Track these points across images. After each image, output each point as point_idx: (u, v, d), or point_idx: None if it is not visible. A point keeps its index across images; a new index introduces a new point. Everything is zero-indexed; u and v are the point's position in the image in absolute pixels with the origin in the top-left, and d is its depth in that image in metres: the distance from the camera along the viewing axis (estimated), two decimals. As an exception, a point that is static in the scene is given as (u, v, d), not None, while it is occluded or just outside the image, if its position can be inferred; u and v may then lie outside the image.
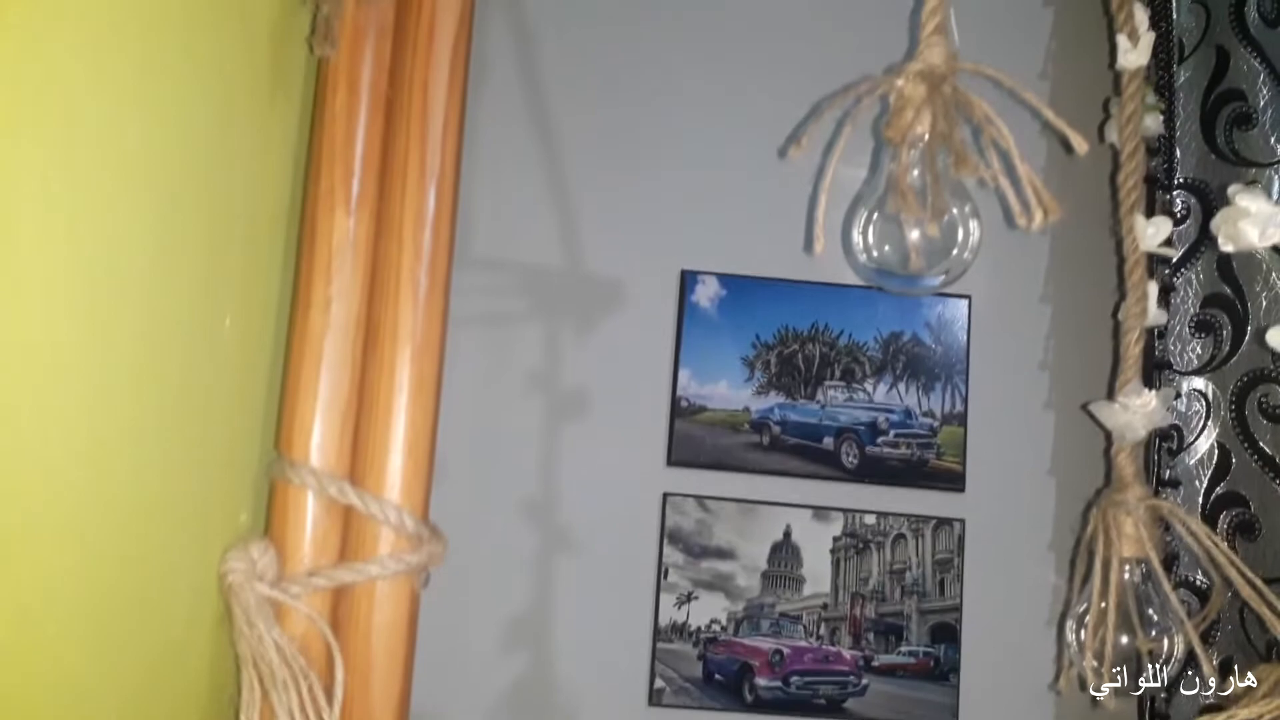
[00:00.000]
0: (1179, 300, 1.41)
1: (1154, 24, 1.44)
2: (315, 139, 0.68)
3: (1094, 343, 1.38)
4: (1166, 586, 0.68)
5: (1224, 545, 0.71)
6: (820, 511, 1.41)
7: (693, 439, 1.40)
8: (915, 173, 0.64)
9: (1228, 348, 1.39)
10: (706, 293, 1.46)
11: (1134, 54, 0.78)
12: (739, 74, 1.45)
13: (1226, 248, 0.60)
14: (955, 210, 0.65)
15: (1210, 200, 1.41)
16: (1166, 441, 1.36)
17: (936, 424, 1.44)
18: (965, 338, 1.45)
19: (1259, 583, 0.68)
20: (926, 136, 0.63)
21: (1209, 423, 1.40)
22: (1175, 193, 1.42)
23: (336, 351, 0.64)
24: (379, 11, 0.66)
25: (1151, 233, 0.74)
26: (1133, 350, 0.73)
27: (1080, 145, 0.61)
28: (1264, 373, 1.36)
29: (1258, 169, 1.41)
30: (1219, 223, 0.59)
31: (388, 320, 0.65)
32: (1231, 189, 0.59)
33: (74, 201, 0.50)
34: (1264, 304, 1.39)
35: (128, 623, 0.57)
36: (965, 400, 1.44)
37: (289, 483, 0.64)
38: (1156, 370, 1.38)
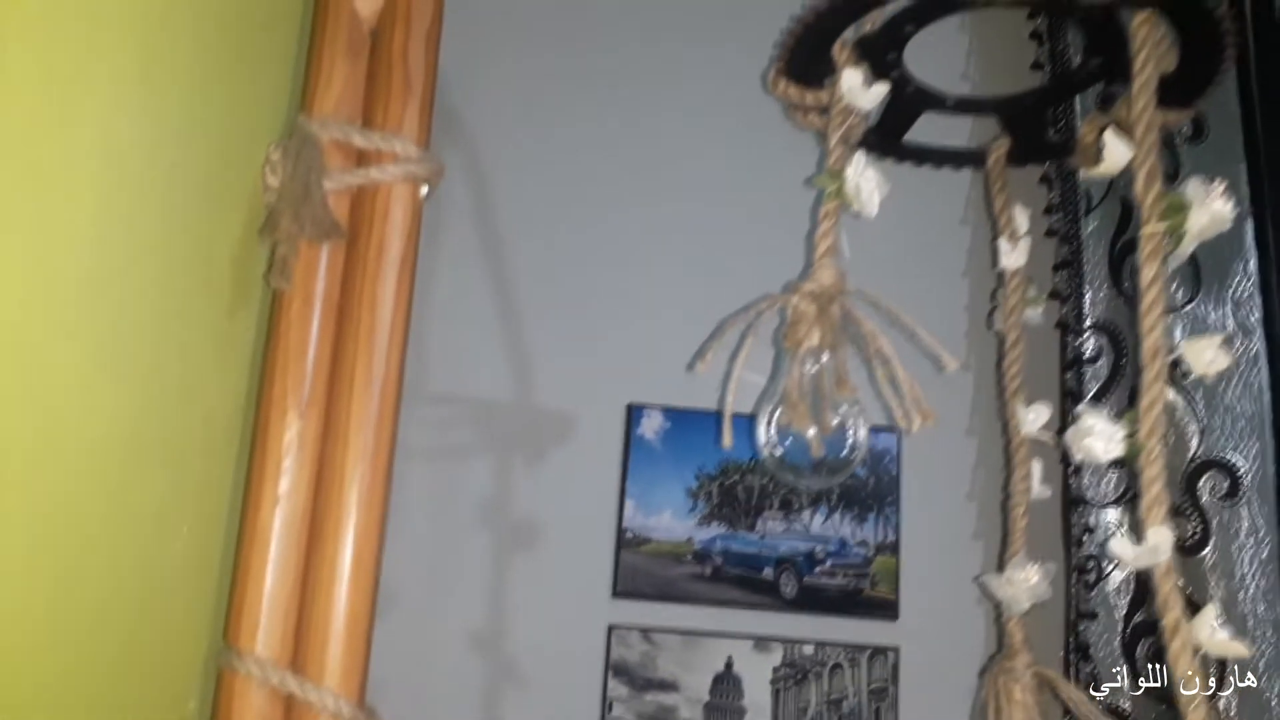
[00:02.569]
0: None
1: (1063, 178, 1.57)
2: (271, 345, 0.75)
3: (1015, 477, 1.45)
4: (1053, 751, 0.74)
5: (1101, 713, 0.77)
6: (761, 642, 1.45)
7: (637, 570, 1.45)
8: (812, 371, 0.72)
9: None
10: (652, 425, 1.52)
11: (1014, 255, 0.87)
12: (682, 215, 1.55)
13: (1078, 458, 0.68)
14: (843, 409, 0.72)
15: (1120, 340, 1.52)
16: (1085, 574, 1.44)
17: (870, 554, 1.50)
18: (896, 470, 1.52)
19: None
20: (818, 347, 0.71)
21: (1125, 553, 1.48)
22: (1086, 334, 1.53)
23: (283, 545, 0.70)
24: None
25: (1031, 418, 0.82)
26: (1019, 525, 0.81)
27: (950, 363, 0.69)
28: (1173, 507, 1.45)
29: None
30: (1070, 437, 0.67)
31: (331, 515, 0.71)
32: (1079, 408, 0.68)
33: (45, 442, 0.56)
34: (1172, 440, 1.48)
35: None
36: (897, 530, 1.51)
37: (235, 671, 0.69)
38: (1073, 505, 1.46)
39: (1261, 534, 1.44)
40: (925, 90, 0.85)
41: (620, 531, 1.45)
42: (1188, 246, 0.64)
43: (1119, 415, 0.65)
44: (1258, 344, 1.48)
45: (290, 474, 0.71)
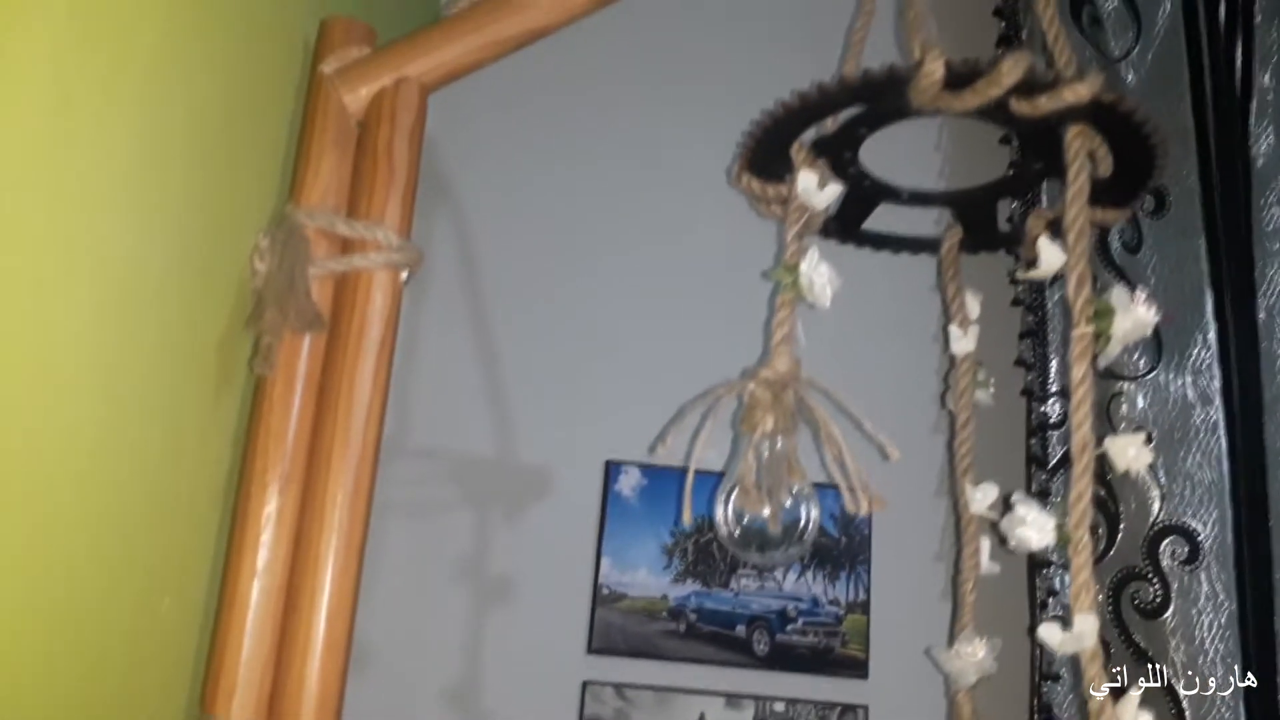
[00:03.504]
0: (1056, 503, 1.54)
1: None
2: (253, 424, 0.79)
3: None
4: (997, 821, 0.77)
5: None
6: (733, 699, 1.48)
7: (612, 627, 1.48)
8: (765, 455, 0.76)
9: (1104, 545, 1.52)
10: (629, 482, 1.56)
11: (964, 341, 0.92)
12: (660, 277, 1.60)
13: (1012, 545, 0.73)
14: (796, 489, 0.77)
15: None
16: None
17: (842, 612, 1.53)
18: (868, 530, 1.56)
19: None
20: (773, 432, 0.75)
21: (1088, 616, 1.51)
22: (1051, 401, 1.58)
23: (260, 617, 0.74)
24: (314, 320, 0.78)
25: (980, 498, 0.87)
26: (968, 600, 0.85)
27: (893, 454, 0.74)
28: (1135, 571, 1.49)
29: (1125, 380, 1.57)
30: (1006, 526, 0.71)
31: (307, 587, 0.75)
32: (1014, 497, 0.72)
33: (39, 515, 0.60)
34: (1134, 506, 1.52)
35: None
36: (868, 590, 1.54)
37: (210, 737, 0.72)
38: (1037, 568, 1.50)
39: (1220, 599, 1.47)
40: (881, 184, 0.90)
41: (596, 588, 1.48)
42: (1114, 349, 0.69)
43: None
44: (1217, 413, 1.53)
45: (268, 547, 0.75)
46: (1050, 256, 0.73)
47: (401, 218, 0.82)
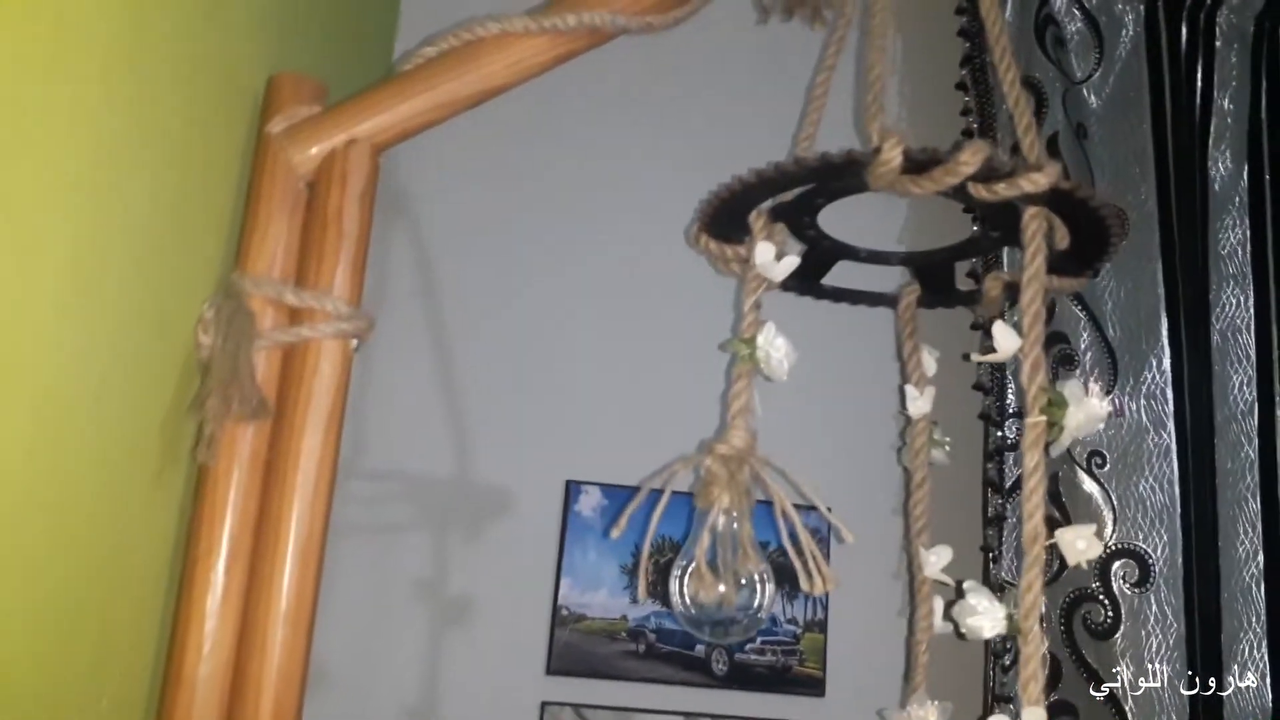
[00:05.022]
0: (1012, 524, 1.57)
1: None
2: (198, 504, 0.77)
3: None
4: None
5: None
6: (692, 718, 1.49)
7: (572, 647, 1.48)
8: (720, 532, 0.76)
9: (1056, 565, 1.54)
10: (589, 502, 1.56)
11: (921, 401, 0.92)
12: (621, 294, 1.59)
13: (963, 633, 0.73)
14: (751, 570, 0.77)
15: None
16: (1000, 658, 1.50)
17: (799, 631, 1.55)
18: (825, 549, 1.57)
19: None
20: (729, 509, 0.75)
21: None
22: (1008, 424, 1.59)
23: (206, 697, 0.73)
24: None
25: (933, 560, 0.87)
26: (920, 661, 0.86)
27: (848, 537, 0.74)
28: (1086, 591, 1.52)
29: (1081, 404, 1.59)
30: (958, 614, 0.72)
31: (254, 665, 0.74)
32: (966, 585, 0.73)
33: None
34: (1087, 527, 1.54)
35: None
36: (826, 609, 1.56)
37: (155, 824, 0.72)
38: (994, 590, 1.52)
39: (1169, 621, 1.51)
40: (839, 244, 0.90)
41: (555, 608, 1.48)
42: (1065, 440, 0.69)
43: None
44: (1169, 438, 1.55)
45: (214, 625, 0.74)
46: (1005, 341, 0.73)
47: (352, 285, 0.80)
